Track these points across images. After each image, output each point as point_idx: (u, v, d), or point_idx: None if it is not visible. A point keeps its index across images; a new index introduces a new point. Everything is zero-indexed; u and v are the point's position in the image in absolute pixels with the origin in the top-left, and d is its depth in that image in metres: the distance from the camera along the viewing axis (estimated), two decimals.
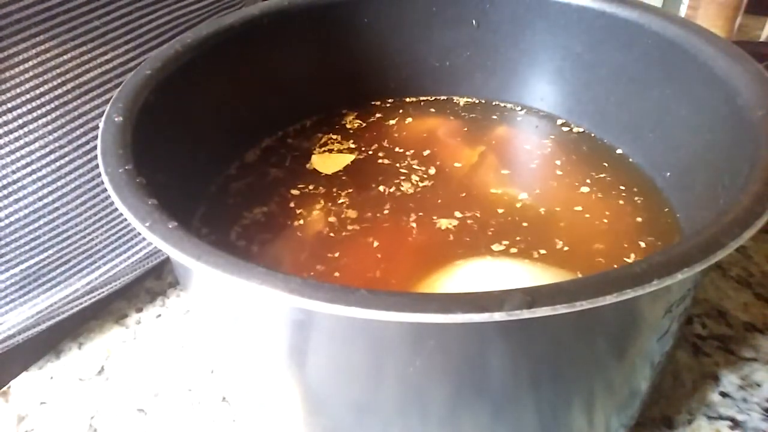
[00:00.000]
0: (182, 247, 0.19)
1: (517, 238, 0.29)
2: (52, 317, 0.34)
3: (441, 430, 0.23)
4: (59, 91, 0.31)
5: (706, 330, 0.36)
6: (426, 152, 0.35)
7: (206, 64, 0.31)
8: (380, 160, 0.35)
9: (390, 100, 0.39)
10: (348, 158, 0.35)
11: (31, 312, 0.33)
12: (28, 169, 0.31)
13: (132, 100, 0.26)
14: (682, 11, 0.56)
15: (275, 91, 0.35)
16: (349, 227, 0.30)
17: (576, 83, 0.36)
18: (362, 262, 0.28)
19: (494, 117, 0.38)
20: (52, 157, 0.31)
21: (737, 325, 0.36)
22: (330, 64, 0.37)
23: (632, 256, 0.29)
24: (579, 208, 0.31)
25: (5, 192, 0.30)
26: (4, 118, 0.29)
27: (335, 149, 0.35)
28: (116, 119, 0.24)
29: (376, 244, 0.29)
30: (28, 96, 0.30)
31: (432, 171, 0.34)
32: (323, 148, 0.36)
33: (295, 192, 0.33)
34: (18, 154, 0.30)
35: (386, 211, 0.31)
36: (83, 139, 0.32)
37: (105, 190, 0.24)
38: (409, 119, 0.38)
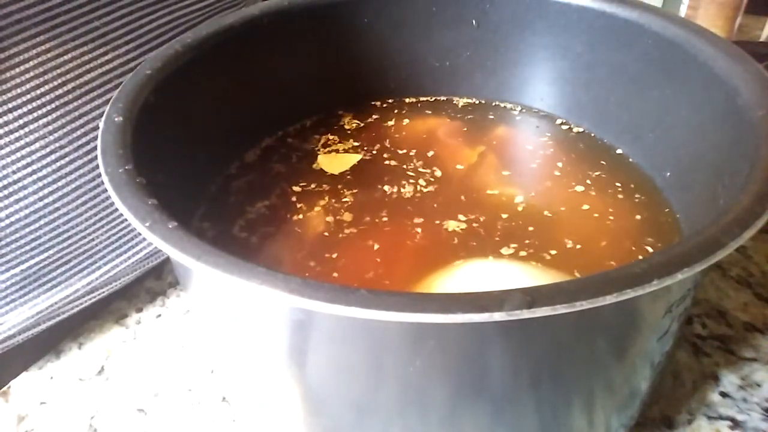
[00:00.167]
0: (182, 247, 0.19)
1: (526, 241, 0.29)
2: (53, 317, 0.34)
3: (441, 430, 0.23)
4: (60, 91, 0.31)
5: (706, 330, 0.36)
6: (430, 153, 0.35)
7: (206, 64, 0.31)
8: (386, 162, 0.35)
9: (390, 100, 0.39)
10: (355, 158, 0.35)
11: (32, 312, 0.33)
12: (29, 169, 0.31)
13: (132, 100, 0.26)
14: (682, 11, 0.56)
15: (275, 91, 0.35)
16: (354, 228, 0.30)
17: (576, 83, 0.36)
18: (375, 264, 0.28)
19: (494, 117, 0.38)
20: (53, 157, 0.31)
21: (737, 325, 0.36)
22: (330, 64, 0.37)
23: (631, 256, 0.29)
24: (580, 209, 0.31)
25: (6, 192, 0.30)
26: (5, 118, 0.29)
27: (341, 149, 0.35)
28: (116, 119, 0.25)
29: (376, 246, 0.29)
30: (28, 96, 0.30)
31: (438, 173, 0.34)
32: (328, 149, 0.36)
33: (298, 190, 0.33)
34: (19, 154, 0.30)
35: (390, 214, 0.31)
36: (84, 139, 0.32)
37: (105, 190, 0.24)
38: (410, 119, 0.38)
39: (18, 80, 0.29)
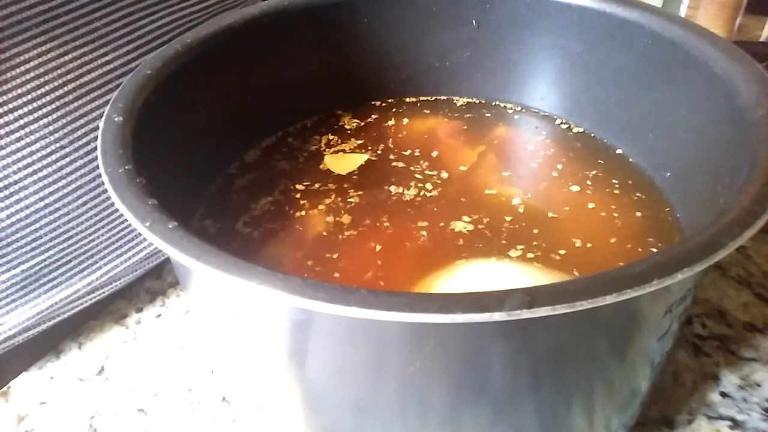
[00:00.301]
0: (182, 247, 0.19)
1: (534, 243, 0.29)
2: (53, 317, 0.34)
3: (441, 430, 0.23)
4: (60, 91, 0.31)
5: (706, 330, 0.36)
6: (434, 153, 0.35)
7: (206, 64, 0.31)
8: (393, 163, 0.35)
9: (390, 100, 0.39)
10: (362, 158, 0.35)
11: (32, 312, 0.33)
12: (30, 170, 0.31)
13: (132, 100, 0.26)
14: (682, 11, 0.56)
15: (275, 90, 0.35)
16: (358, 229, 0.30)
17: (576, 83, 0.36)
18: (375, 265, 0.28)
19: (494, 117, 0.38)
20: (53, 157, 0.31)
21: (737, 325, 0.36)
22: (330, 64, 0.37)
23: (632, 256, 0.29)
24: (581, 209, 0.31)
25: (6, 192, 0.30)
26: (6, 118, 0.29)
27: (346, 149, 0.35)
28: (116, 119, 0.25)
29: (378, 248, 0.29)
30: (29, 96, 0.30)
31: (445, 175, 0.33)
32: (333, 149, 0.35)
33: (302, 188, 0.33)
34: (19, 155, 0.30)
35: (396, 215, 0.31)
36: (84, 140, 0.32)
37: (106, 190, 0.24)
38: (409, 119, 0.38)
39: (18, 80, 0.29)
